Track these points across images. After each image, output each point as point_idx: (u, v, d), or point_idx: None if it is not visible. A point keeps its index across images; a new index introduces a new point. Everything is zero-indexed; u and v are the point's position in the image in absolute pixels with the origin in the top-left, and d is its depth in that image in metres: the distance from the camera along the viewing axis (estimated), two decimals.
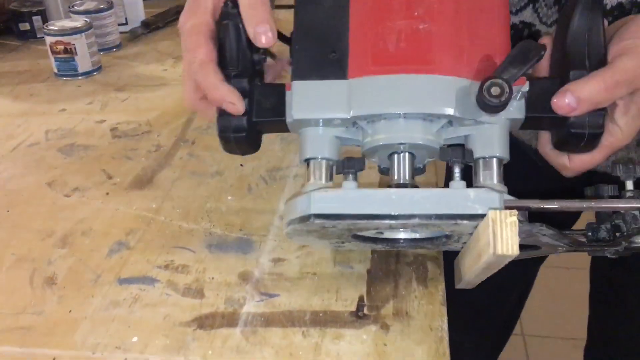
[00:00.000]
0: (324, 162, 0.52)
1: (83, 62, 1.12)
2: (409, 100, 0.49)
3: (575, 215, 0.93)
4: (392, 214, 0.46)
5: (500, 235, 0.42)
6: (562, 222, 0.54)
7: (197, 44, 0.53)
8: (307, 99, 0.51)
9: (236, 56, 0.53)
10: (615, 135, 0.50)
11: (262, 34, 0.51)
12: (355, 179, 0.50)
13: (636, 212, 0.51)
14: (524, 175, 0.72)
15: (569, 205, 0.49)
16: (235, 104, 0.52)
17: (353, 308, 0.55)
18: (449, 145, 0.50)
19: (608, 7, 0.61)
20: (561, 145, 0.51)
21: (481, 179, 0.50)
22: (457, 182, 0.48)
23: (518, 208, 0.45)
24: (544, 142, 0.54)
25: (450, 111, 0.48)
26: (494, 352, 1.25)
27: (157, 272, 0.61)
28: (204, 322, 0.55)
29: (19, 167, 0.83)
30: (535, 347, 1.82)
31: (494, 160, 0.50)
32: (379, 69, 0.49)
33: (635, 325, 0.93)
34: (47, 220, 0.70)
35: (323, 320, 0.54)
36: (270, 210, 0.70)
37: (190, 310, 0.56)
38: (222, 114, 0.53)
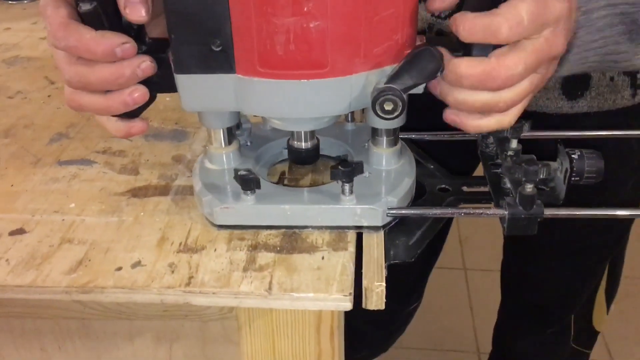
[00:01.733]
0: (221, 131, 0.55)
1: None
2: (301, 108, 0.48)
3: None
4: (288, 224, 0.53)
5: (370, 297, 0.48)
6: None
7: (55, 9, 0.47)
8: (195, 92, 0.49)
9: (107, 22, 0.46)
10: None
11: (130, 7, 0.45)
12: (254, 193, 0.52)
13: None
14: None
15: (446, 212, 0.54)
16: (129, 42, 0.46)
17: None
18: (338, 163, 0.51)
19: None
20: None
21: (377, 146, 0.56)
22: (348, 198, 0.52)
23: (400, 216, 0.53)
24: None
25: (343, 112, 0.49)
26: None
27: (95, 156, 0.65)
28: (138, 193, 0.59)
29: None
30: None
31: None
32: (267, 72, 0.46)
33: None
34: None
35: None
36: None
37: (125, 184, 0.60)
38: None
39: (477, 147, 0.64)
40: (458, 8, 0.48)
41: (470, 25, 0.44)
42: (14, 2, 1.14)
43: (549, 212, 0.51)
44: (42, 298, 0.49)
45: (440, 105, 0.50)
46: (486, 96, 0.47)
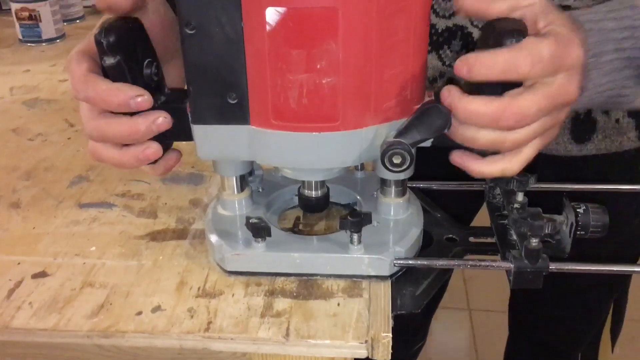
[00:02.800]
0: (234, 178, 0.57)
1: (47, 28, 1.17)
2: (312, 160, 0.50)
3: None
4: (298, 272, 0.54)
5: (377, 348, 0.49)
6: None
7: (77, 63, 0.50)
8: (211, 142, 0.51)
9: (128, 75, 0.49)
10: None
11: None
12: (264, 240, 0.54)
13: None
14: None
15: (453, 263, 0.56)
16: (144, 95, 0.49)
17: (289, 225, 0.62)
18: (348, 213, 0.53)
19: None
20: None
21: (385, 196, 0.57)
22: (356, 247, 0.53)
23: (407, 266, 0.55)
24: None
25: (353, 164, 0.51)
26: None
27: (114, 199, 0.67)
28: (157, 236, 0.61)
29: None
30: None
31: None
32: (280, 124, 0.48)
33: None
34: (12, 158, 0.76)
35: None
36: None
37: (144, 228, 0.62)
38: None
39: (484, 197, 0.65)
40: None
41: (489, 61, 0.45)
42: (33, 45, 1.17)
43: (554, 266, 0.52)
44: (65, 342, 0.50)
45: (447, 154, 0.51)
46: (493, 134, 0.47)
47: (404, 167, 0.49)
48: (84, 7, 1.35)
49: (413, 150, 0.48)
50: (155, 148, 0.51)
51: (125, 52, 0.48)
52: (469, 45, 0.74)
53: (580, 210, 0.56)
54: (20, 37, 1.18)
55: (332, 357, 0.50)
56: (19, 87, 0.97)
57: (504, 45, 0.45)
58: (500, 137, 0.47)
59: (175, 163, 0.55)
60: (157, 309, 0.51)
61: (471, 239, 0.61)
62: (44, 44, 1.17)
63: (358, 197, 0.62)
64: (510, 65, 0.45)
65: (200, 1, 0.45)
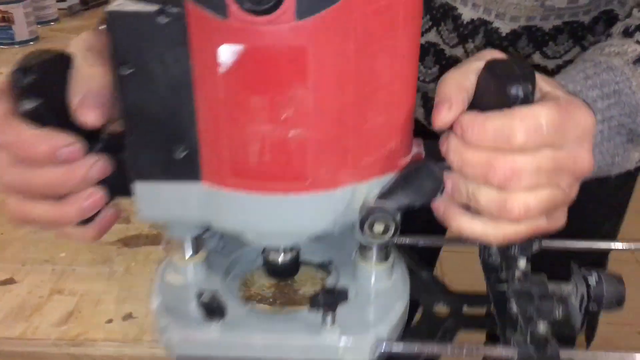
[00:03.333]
0: (187, 240, 0.49)
1: (20, 31, 1.14)
2: (277, 225, 0.42)
3: None
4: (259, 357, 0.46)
5: None
6: None
7: None
8: (155, 201, 0.43)
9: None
10: None
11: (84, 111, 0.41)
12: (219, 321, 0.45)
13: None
14: None
15: (446, 350, 0.47)
16: (74, 144, 0.41)
17: None
18: (321, 292, 0.44)
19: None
20: None
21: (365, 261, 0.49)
22: (330, 331, 0.44)
23: (390, 353, 0.45)
24: None
25: (326, 230, 0.43)
26: None
27: None
28: (129, 242, 0.59)
29: None
30: None
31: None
32: (239, 183, 0.40)
33: None
34: None
35: None
36: None
37: (116, 233, 0.60)
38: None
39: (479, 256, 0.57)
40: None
41: (481, 127, 0.38)
42: (5, 47, 1.15)
43: (565, 354, 0.44)
44: (33, 351, 0.48)
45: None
46: (494, 193, 0.40)
47: (387, 236, 0.41)
48: (59, 9, 1.32)
49: (398, 217, 0.41)
50: (99, 194, 0.43)
51: (47, 93, 0.40)
52: (442, 62, 0.73)
53: (593, 282, 0.47)
54: None
55: None
56: None
57: (508, 94, 0.38)
58: (501, 197, 0.40)
59: (111, 224, 0.45)
60: (128, 316, 0.50)
61: (465, 308, 0.52)
62: (16, 46, 1.14)
63: (333, 257, 0.53)
64: (502, 133, 0.38)
65: (139, 36, 0.37)
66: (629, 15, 0.54)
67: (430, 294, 0.53)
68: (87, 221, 0.44)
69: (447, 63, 0.74)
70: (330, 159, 0.39)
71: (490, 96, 0.39)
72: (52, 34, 1.23)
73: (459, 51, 0.72)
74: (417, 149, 0.44)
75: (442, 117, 0.40)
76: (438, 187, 0.41)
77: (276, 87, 0.36)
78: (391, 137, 0.41)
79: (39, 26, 1.22)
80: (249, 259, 0.54)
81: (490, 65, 0.40)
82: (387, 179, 0.42)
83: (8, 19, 1.13)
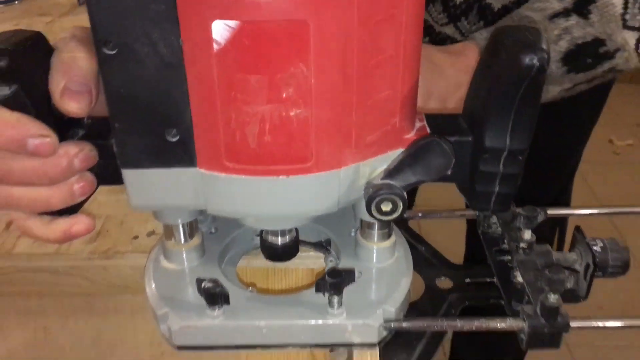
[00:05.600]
0: (180, 226, 0.47)
1: None
2: (278, 208, 0.41)
3: None
4: (265, 343, 0.44)
5: None
6: None
7: None
8: (147, 189, 0.41)
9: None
10: None
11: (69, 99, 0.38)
12: (221, 307, 0.44)
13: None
14: None
15: (455, 324, 0.46)
16: (50, 136, 0.38)
17: None
18: (327, 274, 0.43)
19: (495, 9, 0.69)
20: None
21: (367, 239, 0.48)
22: (336, 312, 0.44)
23: (398, 329, 0.45)
24: None
25: (330, 210, 0.41)
26: None
27: None
28: None
29: None
30: None
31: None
32: (237, 167, 0.38)
33: None
34: None
35: None
36: None
37: None
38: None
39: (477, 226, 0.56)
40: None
41: None
42: None
43: (575, 324, 0.44)
44: (67, 265, 0.53)
45: None
46: None
47: (395, 214, 0.40)
48: None
49: (405, 195, 0.40)
50: (91, 177, 0.41)
51: (24, 78, 0.37)
52: (487, 18, 0.71)
53: (598, 249, 0.48)
54: None
55: None
56: None
57: (520, 62, 0.36)
58: None
59: (82, 232, 0.42)
60: (151, 233, 0.55)
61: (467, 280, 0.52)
62: (1, 5, 1.11)
63: (331, 235, 0.52)
64: None
65: (123, 12, 0.34)
66: None
67: (431, 268, 0.53)
68: (62, 212, 0.41)
69: (492, 19, 0.72)
70: (334, 138, 0.38)
71: (500, 67, 0.38)
72: None
73: (449, 30, 0.74)
74: (420, 124, 0.43)
75: None
76: (447, 163, 0.40)
77: (275, 64, 0.34)
78: (395, 113, 0.40)
79: None
80: (245, 241, 0.52)
81: (498, 32, 0.38)
82: (391, 155, 0.41)
83: None
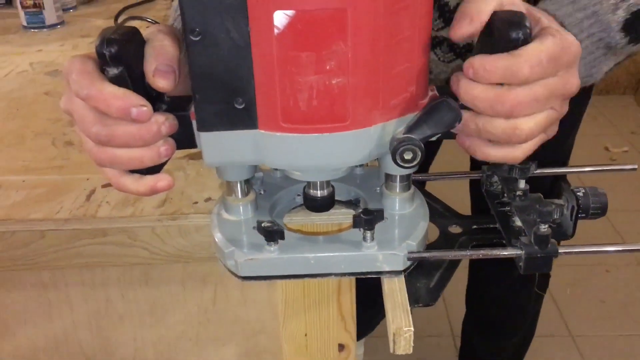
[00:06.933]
0: (238, 182, 0.56)
1: (49, 15, 1.24)
2: (322, 161, 0.49)
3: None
4: (311, 273, 0.54)
5: (399, 342, 0.50)
6: None
7: (82, 63, 0.48)
8: (218, 148, 0.50)
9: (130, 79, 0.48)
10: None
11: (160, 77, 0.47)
12: (277, 243, 0.53)
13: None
14: None
15: (464, 254, 0.56)
16: (146, 106, 0.47)
17: None
18: (362, 211, 0.52)
19: None
20: None
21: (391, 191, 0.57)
22: (369, 244, 0.53)
23: (420, 259, 0.55)
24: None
25: (363, 162, 0.50)
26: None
27: None
28: (195, 156, 0.61)
29: (16, 85, 0.95)
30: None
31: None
32: (290, 127, 0.47)
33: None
34: (53, 112, 0.85)
35: None
36: None
37: (182, 151, 0.60)
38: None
39: (481, 185, 0.66)
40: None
41: (491, 66, 0.46)
42: (36, 31, 1.27)
43: (562, 250, 0.52)
44: (142, 226, 0.61)
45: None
46: (505, 124, 0.48)
47: (415, 162, 0.49)
48: None
49: (423, 146, 0.49)
50: (172, 144, 0.50)
51: (127, 62, 0.47)
52: (445, 15, 0.77)
53: (580, 194, 0.57)
54: (25, 23, 1.25)
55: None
56: (37, 62, 1.04)
57: (510, 37, 0.46)
58: (511, 126, 0.48)
59: (165, 188, 0.52)
60: (208, 199, 0.64)
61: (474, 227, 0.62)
62: (46, 29, 1.25)
63: (360, 193, 0.62)
64: (510, 71, 0.46)
65: (205, 7, 0.44)
66: None
67: (444, 218, 0.63)
68: (149, 171, 0.52)
69: (450, 16, 0.77)
70: (366, 101, 0.47)
71: (494, 41, 0.48)
72: (73, 19, 1.33)
73: (445, 33, 0.77)
74: (432, 92, 0.53)
75: (462, 30, 0.48)
76: (455, 117, 0.49)
77: (321, 43, 0.44)
78: (412, 82, 0.50)
79: (63, 12, 1.36)
80: (288, 199, 0.63)
81: (492, 16, 0.48)
82: (410, 117, 0.51)
83: (39, 5, 1.26)
